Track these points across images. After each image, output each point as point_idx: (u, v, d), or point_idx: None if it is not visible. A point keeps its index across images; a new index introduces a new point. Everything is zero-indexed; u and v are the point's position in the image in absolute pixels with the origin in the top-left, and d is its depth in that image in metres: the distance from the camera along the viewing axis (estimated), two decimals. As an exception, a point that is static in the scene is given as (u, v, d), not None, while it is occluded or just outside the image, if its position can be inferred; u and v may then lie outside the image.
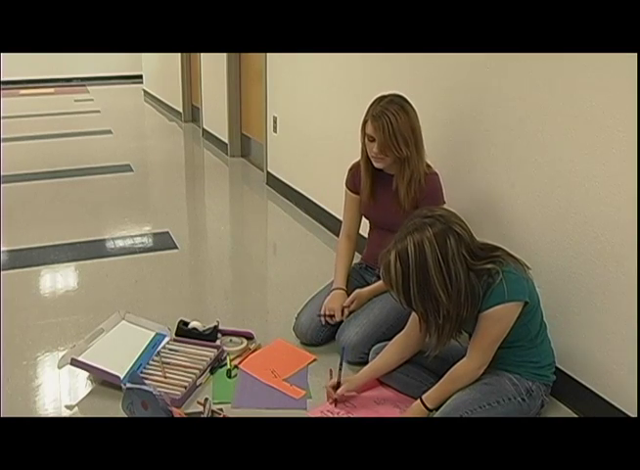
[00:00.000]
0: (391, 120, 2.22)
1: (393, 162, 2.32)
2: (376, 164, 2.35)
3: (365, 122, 2.31)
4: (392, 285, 1.84)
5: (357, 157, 2.51)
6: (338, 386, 2.10)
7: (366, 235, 2.62)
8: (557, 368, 2.04)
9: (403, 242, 1.80)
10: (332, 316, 2.39)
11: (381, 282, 2.44)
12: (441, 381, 1.96)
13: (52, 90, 9.93)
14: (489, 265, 1.83)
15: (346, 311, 2.40)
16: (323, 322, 2.41)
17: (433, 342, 1.92)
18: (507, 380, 1.93)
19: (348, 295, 2.44)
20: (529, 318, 1.90)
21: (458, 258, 1.79)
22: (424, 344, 2.04)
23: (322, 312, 2.41)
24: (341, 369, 2.15)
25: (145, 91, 9.17)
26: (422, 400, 1.96)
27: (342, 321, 2.40)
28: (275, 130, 4.43)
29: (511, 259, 1.88)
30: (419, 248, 1.78)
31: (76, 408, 2.11)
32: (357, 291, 2.43)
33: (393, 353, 2.10)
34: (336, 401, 2.10)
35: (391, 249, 1.83)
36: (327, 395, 2.13)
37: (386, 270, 1.84)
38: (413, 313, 2.01)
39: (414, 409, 1.97)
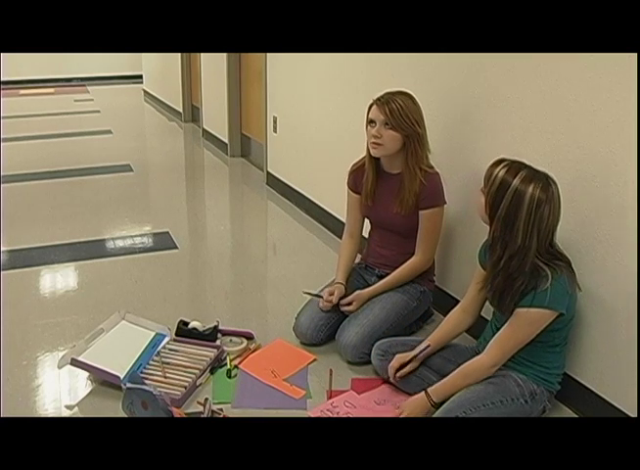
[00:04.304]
0: (400, 104, 2.27)
1: (397, 153, 2.33)
2: (373, 151, 2.34)
3: (370, 107, 2.32)
4: (489, 186, 1.84)
5: (357, 157, 2.51)
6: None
7: (367, 236, 2.63)
8: (557, 368, 2.05)
9: (513, 171, 1.81)
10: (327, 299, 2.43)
11: (381, 282, 2.45)
12: (451, 375, 1.96)
13: (52, 90, 9.92)
14: (545, 267, 1.83)
15: (349, 307, 2.41)
16: (320, 304, 2.44)
17: (486, 277, 1.97)
18: (512, 381, 1.93)
19: (347, 293, 2.44)
20: (558, 328, 1.90)
21: (539, 223, 1.80)
22: (478, 316, 2.11)
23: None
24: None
25: (145, 91, 9.17)
26: (427, 393, 1.96)
27: (341, 321, 2.40)
28: (275, 130, 4.43)
29: (567, 273, 1.87)
30: (524, 184, 1.79)
31: (76, 408, 2.11)
32: (357, 292, 2.43)
33: (449, 328, 2.13)
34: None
35: (504, 165, 1.84)
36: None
37: (490, 172, 1.86)
38: (470, 287, 2.08)
39: (417, 400, 1.97)
